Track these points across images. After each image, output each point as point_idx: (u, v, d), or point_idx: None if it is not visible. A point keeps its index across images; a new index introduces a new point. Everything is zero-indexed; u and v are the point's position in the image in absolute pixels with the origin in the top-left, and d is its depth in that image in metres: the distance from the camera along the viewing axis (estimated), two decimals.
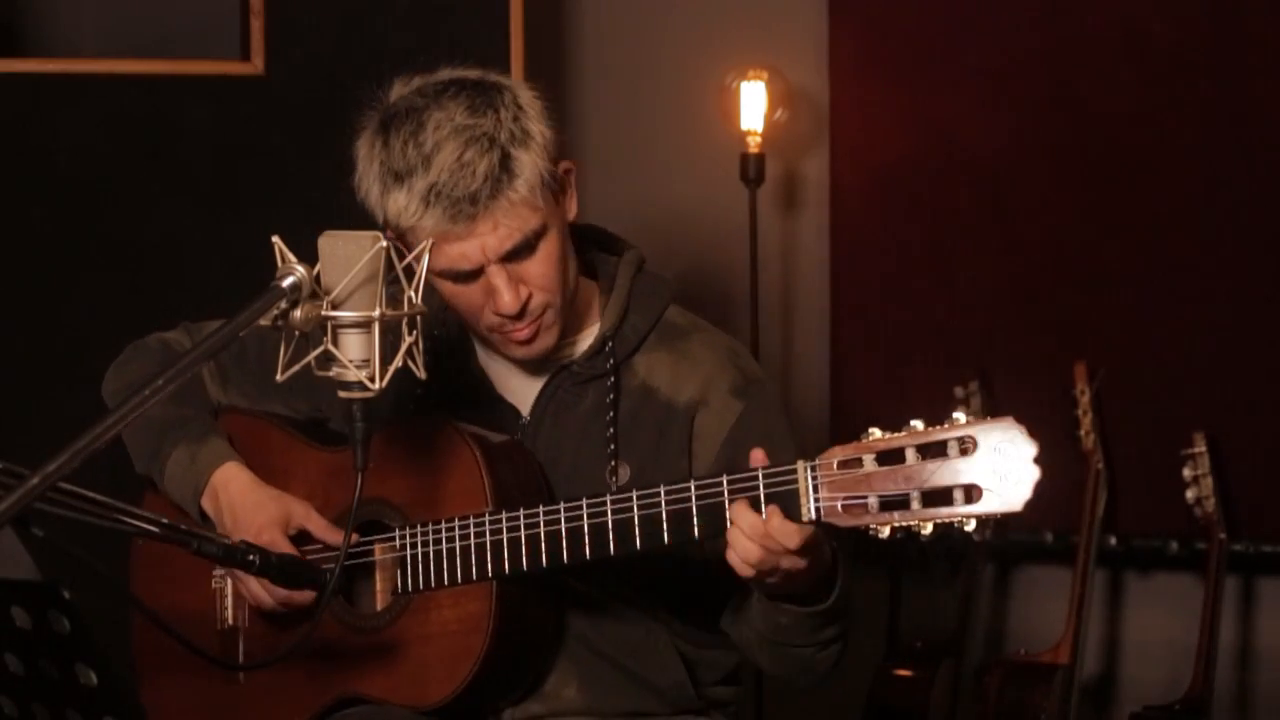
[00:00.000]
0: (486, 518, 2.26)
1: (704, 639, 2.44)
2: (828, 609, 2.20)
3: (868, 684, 3.90)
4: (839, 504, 2.01)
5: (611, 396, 2.37)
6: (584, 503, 2.20)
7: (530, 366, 2.40)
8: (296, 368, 2.05)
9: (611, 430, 2.36)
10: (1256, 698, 3.94)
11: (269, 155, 3.51)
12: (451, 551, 2.27)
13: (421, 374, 2.09)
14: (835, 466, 2.02)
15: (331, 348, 2.03)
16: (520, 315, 2.29)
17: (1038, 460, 1.93)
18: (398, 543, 2.33)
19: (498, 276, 2.26)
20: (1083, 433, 3.86)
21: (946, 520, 1.96)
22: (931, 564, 4.17)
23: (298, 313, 1.99)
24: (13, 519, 1.79)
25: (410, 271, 2.09)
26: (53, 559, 1.99)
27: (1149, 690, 3.86)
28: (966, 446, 1.95)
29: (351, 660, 2.35)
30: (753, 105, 4.08)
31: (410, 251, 2.16)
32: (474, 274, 2.27)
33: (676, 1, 4.40)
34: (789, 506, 2.04)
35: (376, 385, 2.03)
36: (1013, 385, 4.00)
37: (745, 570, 2.09)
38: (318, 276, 2.01)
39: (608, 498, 2.18)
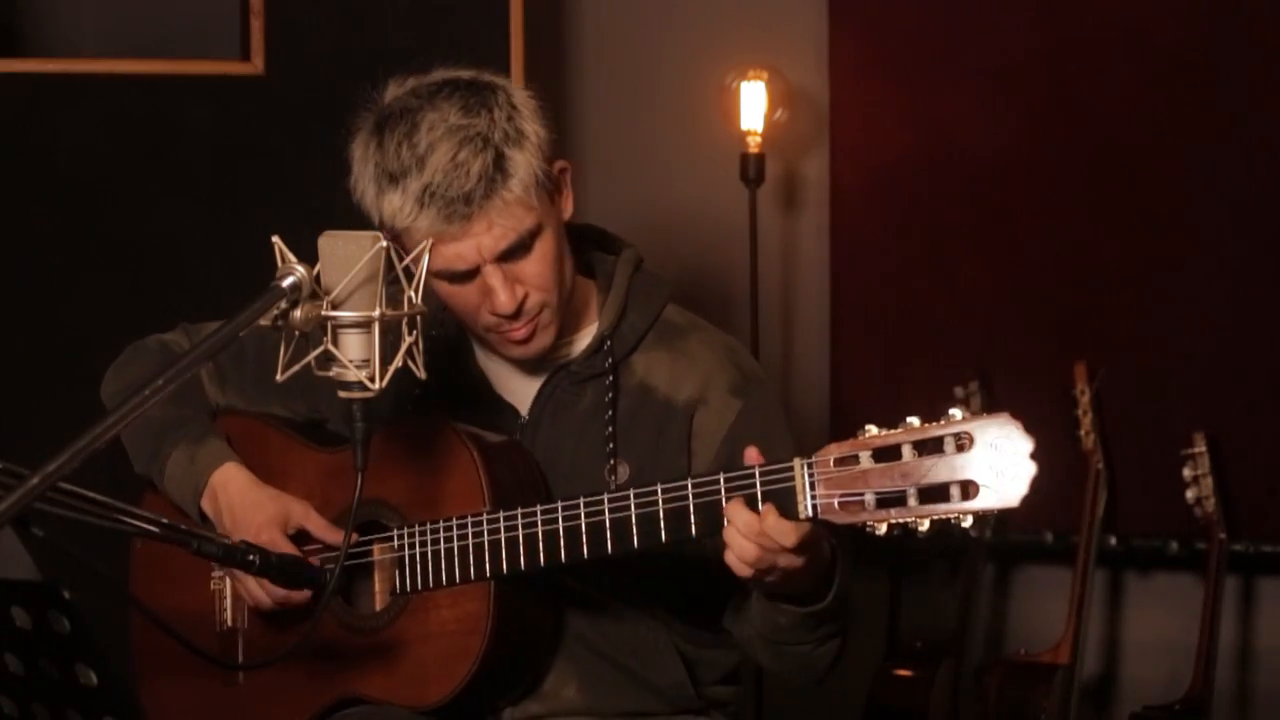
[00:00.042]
0: (485, 518, 2.26)
1: (704, 638, 2.44)
2: (825, 609, 2.20)
3: (868, 684, 3.90)
4: (836, 501, 2.01)
5: (610, 395, 2.37)
6: (581, 502, 2.20)
7: (529, 366, 2.40)
8: (296, 368, 2.06)
9: (610, 429, 2.36)
10: (1256, 698, 3.94)
11: (269, 155, 3.51)
12: (450, 552, 2.28)
13: (421, 374, 2.09)
14: (832, 464, 2.02)
15: (331, 348, 2.03)
16: (517, 315, 2.29)
17: (1034, 456, 1.93)
18: (396, 543, 2.33)
19: (493, 276, 2.26)
20: (1082, 433, 3.86)
21: (943, 516, 1.96)
22: (931, 564, 4.17)
23: (298, 313, 1.99)
24: (13, 519, 1.79)
25: (410, 272, 2.09)
26: (53, 559, 1.99)
27: (1149, 690, 3.86)
28: (963, 442, 1.95)
29: (350, 661, 2.35)
30: (753, 105, 4.08)
31: (407, 252, 2.16)
32: (470, 274, 2.27)
33: (676, 1, 4.40)
34: (786, 504, 2.04)
35: (376, 385, 2.04)
36: (1013, 385, 4.00)
37: (742, 570, 2.09)
38: (318, 276, 2.01)
39: (605, 497, 2.18)
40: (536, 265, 2.28)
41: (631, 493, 2.16)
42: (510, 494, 2.28)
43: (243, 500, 2.39)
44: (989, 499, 1.94)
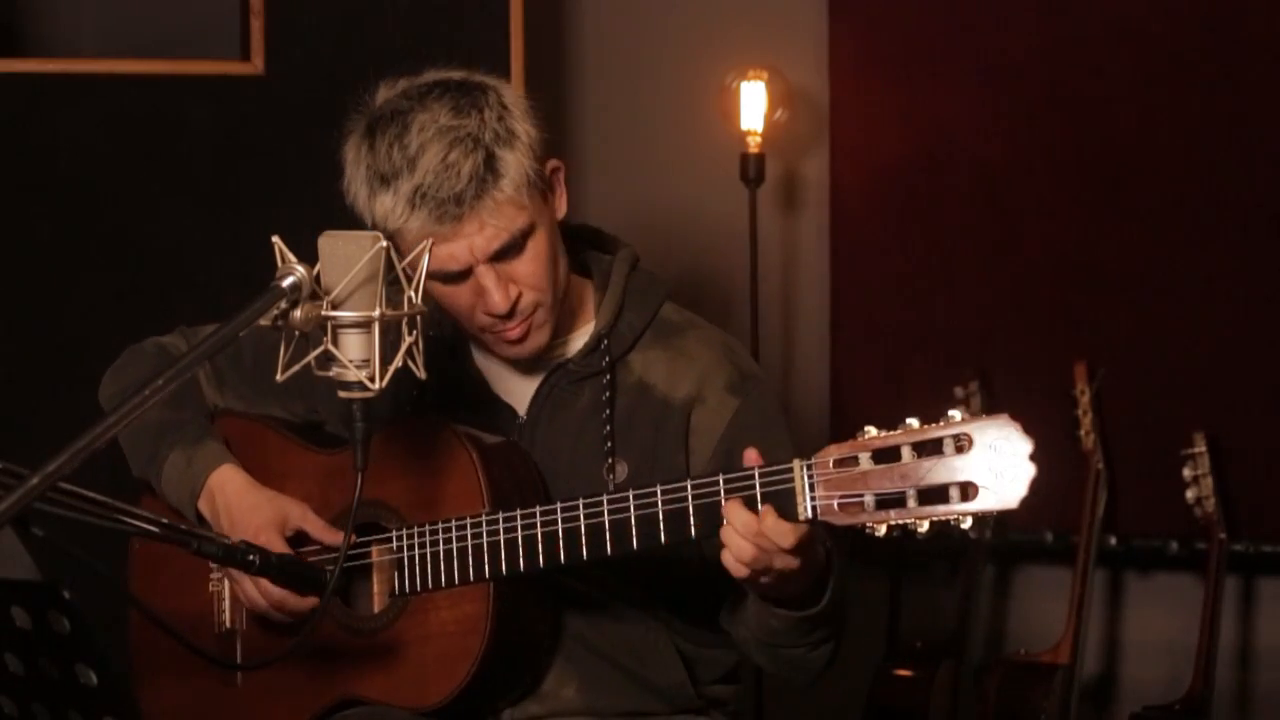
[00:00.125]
0: (483, 519, 2.26)
1: (703, 638, 2.44)
2: (819, 613, 2.20)
3: (868, 684, 3.90)
4: (835, 502, 2.01)
5: (607, 394, 2.37)
6: (580, 504, 2.19)
7: (526, 366, 2.40)
8: (296, 368, 2.06)
9: (608, 428, 2.36)
10: (1256, 698, 3.94)
11: (269, 155, 3.50)
12: (449, 553, 2.28)
13: (421, 374, 2.09)
14: (831, 465, 2.02)
15: (331, 348, 2.03)
16: (511, 315, 2.29)
17: (1033, 457, 1.93)
18: (395, 544, 2.33)
19: (486, 276, 2.26)
20: (1082, 433, 3.86)
21: (943, 518, 1.96)
22: (931, 564, 4.17)
23: (298, 313, 1.99)
24: (13, 519, 1.79)
25: (409, 272, 2.09)
26: (53, 559, 1.99)
27: (1149, 690, 3.87)
28: (962, 444, 1.95)
29: (350, 662, 2.35)
30: (753, 105, 4.08)
31: (401, 254, 2.16)
32: (463, 275, 2.27)
33: (676, 1, 4.40)
34: (785, 505, 2.04)
35: (376, 385, 2.04)
36: (1013, 385, 4.00)
37: (739, 570, 2.09)
38: (318, 276, 2.01)
39: (604, 498, 2.18)
40: (529, 265, 2.28)
41: (630, 494, 2.16)
42: (509, 495, 2.28)
43: (240, 502, 2.39)
44: (988, 500, 1.94)
